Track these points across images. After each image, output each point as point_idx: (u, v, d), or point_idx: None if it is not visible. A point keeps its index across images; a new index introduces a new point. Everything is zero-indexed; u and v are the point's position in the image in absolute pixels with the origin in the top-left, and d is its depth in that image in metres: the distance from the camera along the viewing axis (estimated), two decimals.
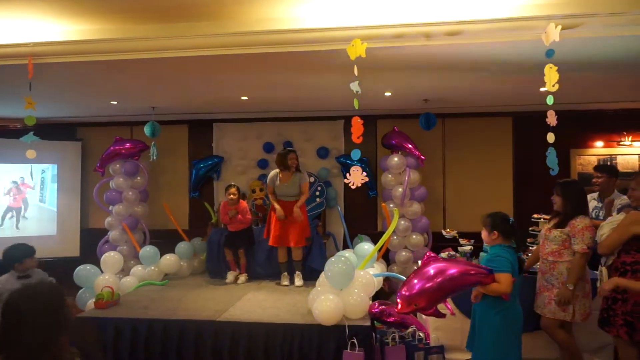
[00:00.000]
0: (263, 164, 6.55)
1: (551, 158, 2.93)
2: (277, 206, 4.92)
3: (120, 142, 6.24)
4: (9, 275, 3.76)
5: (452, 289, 2.93)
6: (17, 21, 3.27)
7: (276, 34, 3.05)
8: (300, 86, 4.66)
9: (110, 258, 5.10)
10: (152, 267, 5.28)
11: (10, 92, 4.83)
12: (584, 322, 3.44)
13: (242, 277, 5.19)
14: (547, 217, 4.18)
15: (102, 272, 4.90)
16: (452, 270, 2.89)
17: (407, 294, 2.93)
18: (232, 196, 5.13)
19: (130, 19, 3.12)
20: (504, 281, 2.82)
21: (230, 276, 5.19)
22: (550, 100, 2.89)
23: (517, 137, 6.27)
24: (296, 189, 4.97)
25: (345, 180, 3.14)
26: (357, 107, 2.98)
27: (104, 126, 6.93)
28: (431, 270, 2.92)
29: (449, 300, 3.60)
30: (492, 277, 2.86)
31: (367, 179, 3.13)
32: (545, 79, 2.86)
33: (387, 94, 5.06)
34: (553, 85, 2.84)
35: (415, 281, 2.94)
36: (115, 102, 5.57)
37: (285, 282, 5.02)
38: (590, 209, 4.27)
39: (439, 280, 2.87)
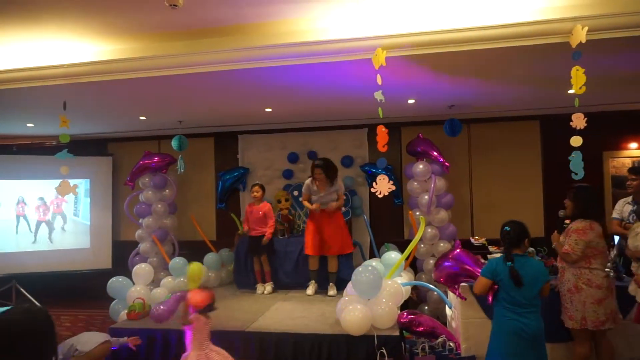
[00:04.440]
0: (288, 174, 6.60)
1: (576, 162, 2.87)
2: (311, 206, 4.98)
3: (149, 156, 6.40)
4: None
5: (456, 271, 3.85)
6: (52, 43, 3.43)
7: (300, 47, 3.10)
8: (324, 96, 4.70)
9: (141, 270, 5.20)
10: (182, 278, 5.36)
11: (46, 111, 5.03)
12: (596, 330, 3.29)
13: (268, 287, 5.23)
14: None
15: (133, 283, 5.01)
16: (460, 259, 3.89)
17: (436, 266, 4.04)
18: (255, 194, 5.18)
19: (158, 37, 3.23)
20: (476, 282, 3.13)
21: (260, 288, 5.26)
22: (576, 103, 2.84)
23: (546, 140, 6.13)
24: (332, 197, 5.03)
25: (372, 189, 3.14)
26: (381, 116, 2.99)
27: (133, 141, 7.13)
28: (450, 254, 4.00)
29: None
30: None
31: (394, 188, 3.13)
32: (572, 81, 2.81)
33: (411, 101, 5.04)
34: (580, 88, 2.80)
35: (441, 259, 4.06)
36: (144, 118, 5.73)
37: (310, 291, 5.02)
38: (627, 214, 4.13)
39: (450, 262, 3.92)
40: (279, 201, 6.13)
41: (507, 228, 3.05)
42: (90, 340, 3.30)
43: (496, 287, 3.00)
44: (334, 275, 5.04)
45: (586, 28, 2.75)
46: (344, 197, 5.24)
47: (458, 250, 4.05)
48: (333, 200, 5.01)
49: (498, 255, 4.31)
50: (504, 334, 2.95)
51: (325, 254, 5.03)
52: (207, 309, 3.32)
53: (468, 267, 3.85)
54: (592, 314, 3.21)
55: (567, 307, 3.30)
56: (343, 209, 6.20)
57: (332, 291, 4.98)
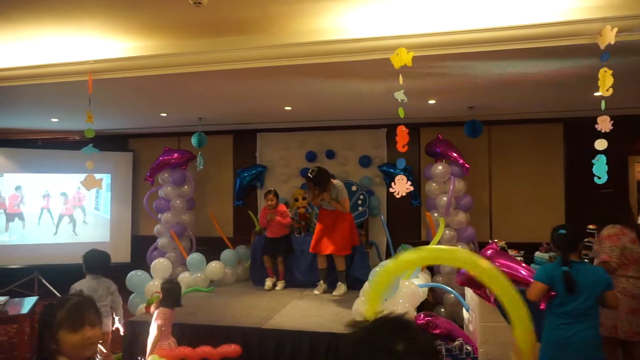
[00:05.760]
0: (305, 173, 6.58)
1: (599, 166, 2.81)
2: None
3: (169, 152, 6.48)
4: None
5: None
6: (77, 39, 3.49)
7: (322, 45, 3.10)
8: (344, 95, 4.69)
9: (160, 264, 5.27)
10: (199, 274, 5.42)
11: (70, 106, 5.13)
12: (631, 340, 3.20)
13: (280, 284, 5.23)
14: None
15: (151, 277, 5.07)
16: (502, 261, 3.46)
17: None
18: (270, 202, 5.21)
19: (182, 34, 3.26)
20: (531, 287, 2.93)
21: (268, 282, 5.23)
22: (603, 105, 2.78)
23: (569, 144, 6.02)
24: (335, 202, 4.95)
25: (391, 190, 3.13)
26: (402, 116, 2.97)
27: (153, 137, 7.23)
28: (498, 257, 3.56)
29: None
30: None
31: (412, 189, 3.11)
32: (600, 83, 2.75)
33: (431, 102, 5.00)
34: (607, 90, 2.73)
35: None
36: (164, 114, 5.80)
37: (317, 291, 4.96)
38: None
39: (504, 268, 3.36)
40: (296, 199, 6.14)
41: (563, 231, 2.87)
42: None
43: (553, 293, 2.84)
44: (342, 274, 4.95)
45: (615, 29, 2.69)
46: (348, 202, 5.05)
47: (494, 251, 3.83)
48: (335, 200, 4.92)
49: (518, 259, 4.27)
50: (553, 344, 2.81)
51: (321, 253, 4.96)
52: (174, 302, 3.59)
53: (510, 271, 3.51)
54: (625, 324, 3.13)
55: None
56: (360, 209, 6.20)
57: (337, 290, 4.88)
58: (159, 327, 3.50)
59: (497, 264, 3.39)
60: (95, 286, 3.74)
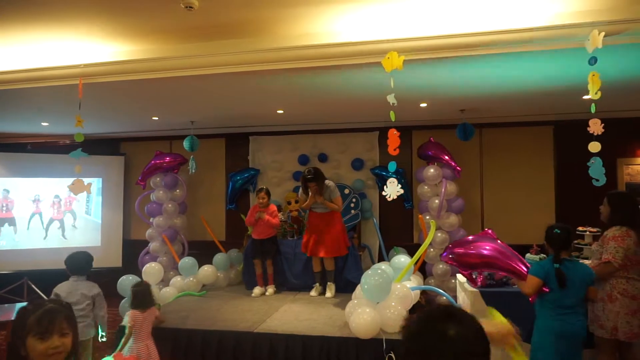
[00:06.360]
0: (298, 176, 6.60)
1: (596, 168, 2.83)
2: (307, 201, 4.95)
3: (161, 156, 6.45)
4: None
5: (488, 263, 3.34)
6: (69, 43, 3.48)
7: (314, 49, 3.11)
8: (336, 99, 4.70)
9: (151, 269, 5.25)
10: (191, 278, 5.39)
11: (61, 110, 5.09)
12: (630, 342, 3.22)
13: (270, 289, 5.20)
14: (594, 229, 4.04)
15: None
16: (490, 248, 3.36)
17: (452, 246, 3.53)
18: (261, 200, 5.19)
19: (173, 39, 3.25)
20: (527, 281, 3.06)
21: (256, 291, 5.16)
22: (592, 108, 2.81)
23: (559, 146, 6.08)
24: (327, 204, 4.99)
25: (383, 193, 3.14)
26: (393, 120, 2.98)
27: (145, 141, 7.19)
28: (479, 241, 3.45)
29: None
30: (525, 276, 3.12)
31: (402, 192, 3.12)
32: (589, 86, 2.78)
33: (423, 105, 5.03)
34: (596, 93, 2.76)
35: (463, 242, 3.55)
36: (156, 118, 5.78)
37: (314, 292, 5.03)
38: None
39: (477, 249, 3.37)
40: (289, 203, 6.14)
41: (557, 230, 3.02)
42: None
43: (546, 289, 2.96)
44: (331, 274, 5.04)
45: (603, 33, 2.72)
46: (341, 200, 5.16)
47: (477, 236, 3.68)
48: (325, 207, 4.99)
49: None
50: (549, 334, 2.95)
51: (316, 255, 5.01)
52: (143, 304, 3.58)
53: (507, 262, 3.30)
54: (625, 324, 3.13)
55: (598, 316, 3.21)
56: (352, 211, 6.21)
57: (329, 292, 4.97)
58: (130, 329, 3.51)
59: (471, 247, 3.43)
60: (74, 288, 3.63)
